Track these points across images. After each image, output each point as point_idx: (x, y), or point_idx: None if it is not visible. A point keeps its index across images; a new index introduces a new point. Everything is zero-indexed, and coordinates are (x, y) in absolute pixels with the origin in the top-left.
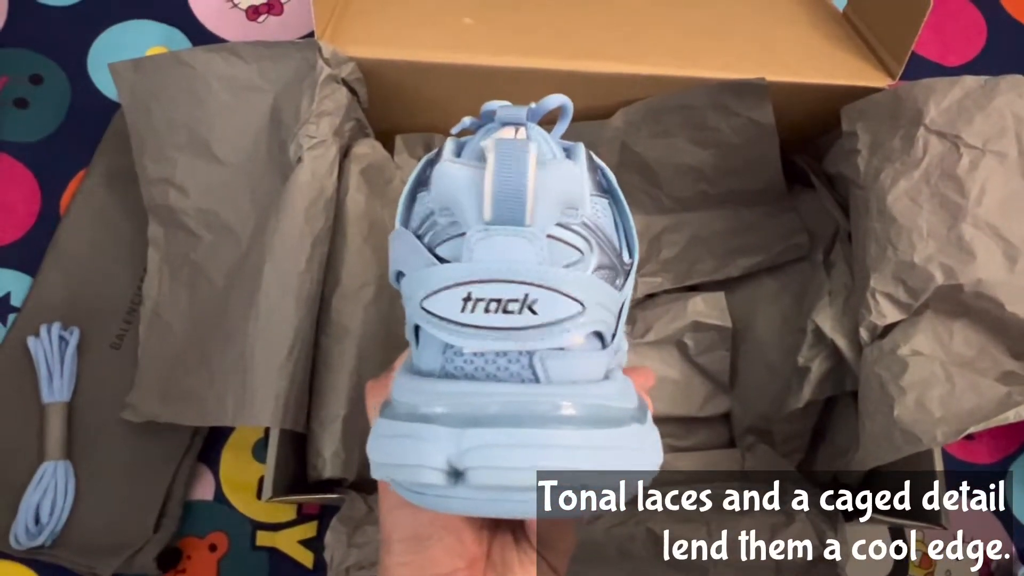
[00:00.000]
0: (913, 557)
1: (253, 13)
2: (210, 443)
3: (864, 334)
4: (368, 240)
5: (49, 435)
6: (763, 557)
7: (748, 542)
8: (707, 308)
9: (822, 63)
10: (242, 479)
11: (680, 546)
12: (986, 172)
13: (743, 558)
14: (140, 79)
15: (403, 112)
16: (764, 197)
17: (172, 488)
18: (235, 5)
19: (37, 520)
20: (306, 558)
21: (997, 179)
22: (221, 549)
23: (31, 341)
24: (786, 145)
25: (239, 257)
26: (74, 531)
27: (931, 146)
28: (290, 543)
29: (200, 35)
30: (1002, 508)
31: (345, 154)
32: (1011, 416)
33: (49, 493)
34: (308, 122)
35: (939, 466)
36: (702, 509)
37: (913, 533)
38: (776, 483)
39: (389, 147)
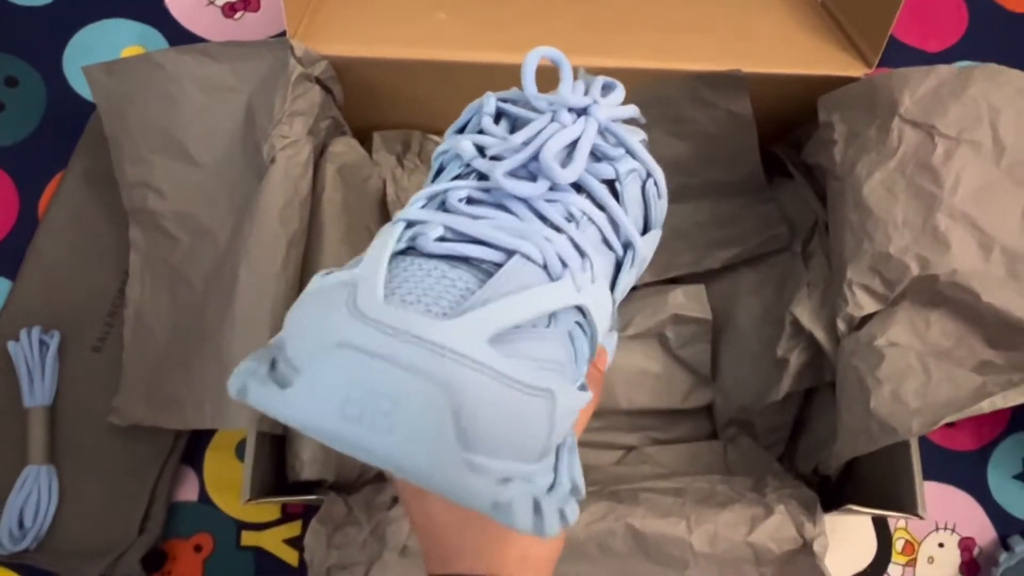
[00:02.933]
0: (896, 545)
1: (229, 10)
2: (193, 444)
3: (841, 325)
4: (345, 240)
5: (31, 439)
6: (743, 549)
7: (728, 535)
8: (687, 301)
9: (800, 53)
10: (226, 480)
11: (661, 541)
12: (961, 162)
13: (723, 551)
14: (114, 82)
15: (380, 109)
16: (743, 188)
17: (156, 490)
18: (211, 2)
19: (21, 524)
20: (291, 557)
21: (972, 169)
22: (206, 549)
23: (11, 345)
24: (765, 136)
25: (217, 260)
26: (59, 535)
27: (906, 136)
28: (275, 542)
29: (176, 33)
30: (983, 494)
31: (321, 153)
32: (985, 406)
33: (32, 497)
34: (281, 122)
35: (915, 456)
36: (682, 503)
37: (895, 522)
38: (756, 476)
39: (367, 144)
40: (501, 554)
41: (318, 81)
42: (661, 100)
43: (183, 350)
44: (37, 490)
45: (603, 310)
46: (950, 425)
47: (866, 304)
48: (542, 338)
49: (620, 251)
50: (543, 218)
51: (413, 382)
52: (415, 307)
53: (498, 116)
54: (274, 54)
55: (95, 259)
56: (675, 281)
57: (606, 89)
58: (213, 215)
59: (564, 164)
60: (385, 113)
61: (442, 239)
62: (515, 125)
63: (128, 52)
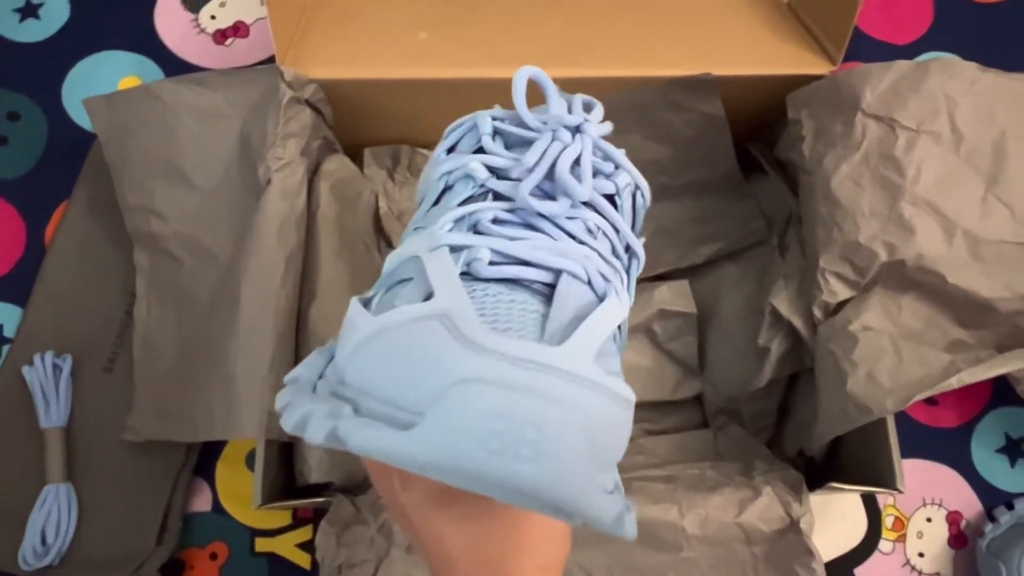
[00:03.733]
0: (886, 522)
1: (220, 37)
2: (205, 457)
3: (817, 313)
4: (340, 254)
5: (49, 459)
6: (733, 530)
7: (718, 517)
8: (672, 296)
9: (768, 54)
10: (238, 489)
11: (655, 526)
12: (922, 152)
13: (714, 533)
14: (113, 114)
15: (369, 126)
16: (722, 186)
17: (171, 502)
18: (202, 30)
19: (43, 541)
20: (304, 560)
21: (933, 158)
22: (222, 557)
23: (26, 370)
24: (740, 135)
25: (219, 278)
26: (80, 549)
27: (869, 129)
28: (288, 547)
29: (170, 62)
30: (968, 469)
31: (315, 171)
32: (954, 383)
33: (53, 515)
34: (274, 145)
35: (892, 434)
36: (674, 489)
37: (884, 499)
38: (744, 461)
39: (358, 160)
40: (522, 565)
41: (308, 103)
42: (638, 106)
43: (191, 367)
44: (57, 508)
45: (625, 315)
46: (934, 403)
47: (839, 291)
48: (613, 353)
49: (626, 260)
50: (570, 235)
51: (554, 409)
52: (513, 334)
53: (494, 134)
54: (265, 80)
55: (102, 283)
56: (661, 278)
57: (587, 107)
58: (214, 236)
59: (575, 178)
60: (374, 130)
61: (492, 263)
62: (508, 143)
63: (125, 82)
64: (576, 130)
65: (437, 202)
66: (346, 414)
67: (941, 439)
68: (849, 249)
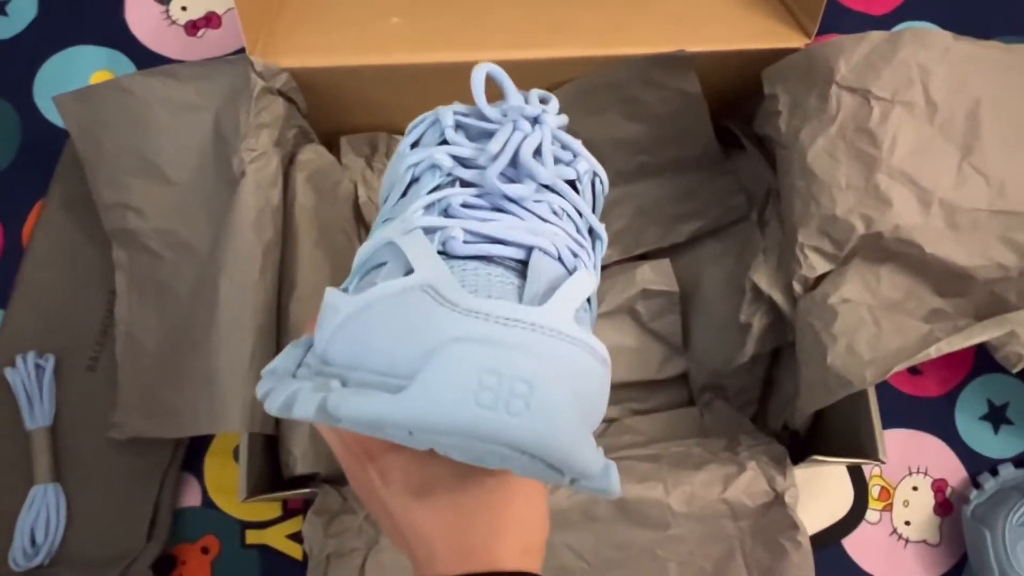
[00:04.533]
0: (872, 492)
1: (192, 28)
2: (193, 452)
3: (797, 287)
4: (319, 244)
5: (36, 460)
6: (719, 506)
7: (704, 494)
8: (654, 275)
9: (742, 29)
10: (226, 483)
11: (641, 504)
12: (896, 122)
13: (700, 509)
14: (85, 109)
15: (345, 114)
16: (701, 163)
17: (160, 498)
18: (174, 22)
19: (33, 542)
20: (295, 551)
21: (907, 128)
22: (213, 551)
23: (8, 372)
24: (718, 110)
25: (199, 272)
26: (70, 548)
27: (844, 102)
28: (279, 538)
29: (142, 55)
30: (952, 437)
31: (290, 161)
32: (932, 352)
33: (42, 515)
34: (247, 136)
35: (874, 405)
36: (659, 467)
37: (870, 470)
38: (729, 437)
39: (335, 149)
40: (504, 548)
41: (280, 93)
42: (613, 85)
43: (174, 362)
44: (46, 508)
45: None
46: (916, 373)
47: (818, 265)
48: (586, 323)
49: (590, 242)
50: (538, 216)
51: (542, 364)
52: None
53: (457, 127)
54: (235, 71)
55: (82, 282)
56: (642, 257)
57: (543, 100)
58: (192, 230)
59: (537, 160)
60: (350, 118)
61: (466, 241)
62: (470, 135)
63: (97, 77)
64: (535, 120)
65: (405, 194)
66: (335, 387)
67: (925, 408)
68: (826, 223)
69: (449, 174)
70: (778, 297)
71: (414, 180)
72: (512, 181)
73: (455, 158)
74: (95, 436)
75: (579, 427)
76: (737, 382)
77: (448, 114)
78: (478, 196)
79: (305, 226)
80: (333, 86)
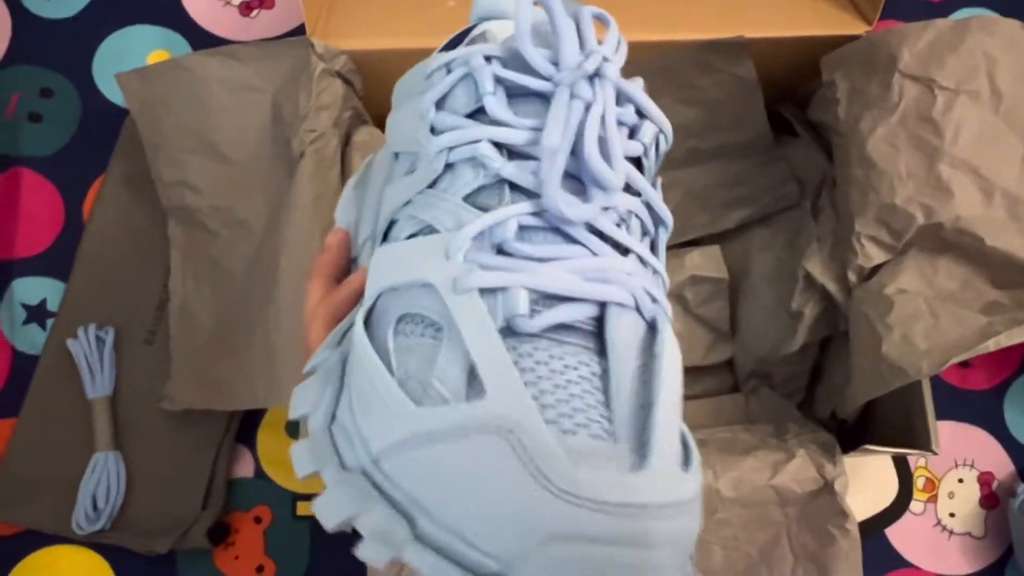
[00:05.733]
0: (917, 483)
1: (245, 9)
2: (246, 424)
3: (852, 276)
4: None
5: (97, 428)
6: (767, 492)
7: (752, 479)
8: (704, 261)
9: (801, 15)
10: (279, 456)
11: None
12: (960, 112)
13: (748, 494)
14: (146, 88)
15: None
16: (753, 149)
17: (215, 468)
18: (228, 2)
19: (95, 507)
20: None
21: (971, 118)
22: (266, 521)
23: (71, 343)
24: (771, 96)
25: (255, 251)
26: (129, 514)
27: (906, 90)
28: None
29: (196, 35)
30: (1000, 430)
31: (346, 143)
32: (991, 345)
33: (103, 481)
34: (307, 117)
35: (928, 396)
36: (707, 452)
37: (915, 461)
38: (776, 424)
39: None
40: None
41: (339, 75)
42: (667, 70)
43: (230, 337)
44: (107, 475)
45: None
46: (965, 365)
47: (875, 255)
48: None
49: (653, 231)
50: (604, 237)
51: (653, 553)
52: (584, 441)
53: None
54: (295, 52)
55: (140, 257)
56: (691, 243)
57: (599, 20)
58: (248, 208)
59: (607, 161)
60: None
61: (534, 312)
62: (510, 94)
63: (154, 57)
64: (595, 75)
65: (435, 184)
66: (403, 537)
67: (973, 401)
68: (885, 212)
69: (496, 174)
70: (832, 286)
71: (449, 167)
72: (571, 176)
73: (499, 147)
74: (153, 407)
75: None
76: (785, 370)
77: (484, 70)
78: (536, 217)
79: None
80: (388, 68)
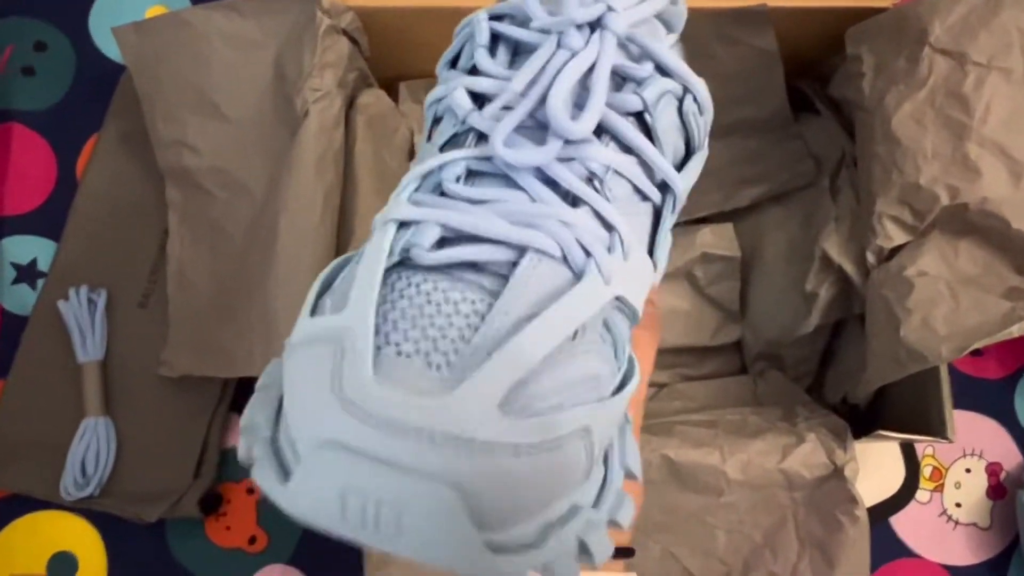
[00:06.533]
0: (924, 472)
1: None
2: (241, 392)
3: (871, 258)
4: (379, 192)
5: (87, 393)
6: (775, 476)
7: (760, 463)
8: (715, 239)
9: None
10: None
11: (695, 470)
12: (991, 89)
13: (756, 477)
14: (143, 42)
15: (405, 58)
16: (769, 125)
17: (208, 437)
18: None
19: (84, 473)
20: None
21: (1002, 96)
22: (258, 492)
23: (61, 304)
24: (791, 70)
25: (255, 213)
26: (119, 481)
27: (936, 65)
28: None
29: None
30: (1010, 420)
31: (350, 105)
32: (1015, 331)
33: (92, 447)
34: (311, 75)
35: (945, 382)
36: (715, 434)
37: (922, 449)
38: (785, 407)
39: (393, 95)
40: None
41: (344, 32)
42: (684, 38)
43: (228, 302)
44: (96, 440)
45: (642, 281)
46: (977, 353)
47: (895, 236)
48: (568, 360)
49: (657, 197)
50: (557, 187)
51: (417, 485)
52: (412, 365)
53: (495, 40)
54: (300, 7)
55: (135, 218)
56: (703, 221)
57: None
58: (248, 170)
59: (576, 111)
60: (410, 62)
61: (441, 242)
62: (516, 52)
63: (152, 11)
64: (596, 25)
65: (430, 138)
66: (262, 437)
67: (984, 390)
68: (908, 192)
69: (463, 122)
70: (849, 267)
71: (436, 121)
72: (544, 129)
73: (475, 96)
74: (145, 373)
75: (472, 542)
76: (795, 353)
77: (482, 25)
78: (485, 159)
79: (365, 172)
80: (396, 27)
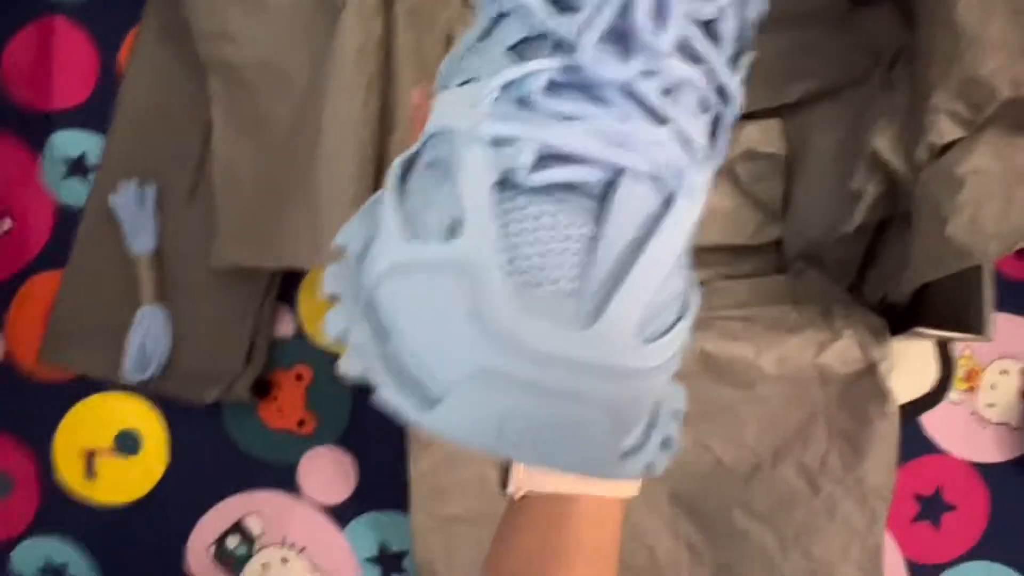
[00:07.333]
0: (959, 372)
1: None
2: (287, 284)
3: (922, 154)
4: (420, 79)
5: (142, 283)
6: (809, 371)
7: (795, 357)
8: (761, 136)
9: None
10: (320, 315)
11: (730, 362)
12: None
13: (790, 372)
14: None
15: None
16: (823, 16)
17: (257, 326)
18: None
19: (143, 357)
20: None
21: None
22: (307, 379)
23: (113, 198)
24: None
25: (298, 104)
26: (176, 366)
27: None
28: None
29: None
30: None
31: None
32: None
33: (150, 334)
34: None
35: (988, 280)
36: (753, 329)
37: (959, 349)
38: (823, 306)
39: None
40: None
41: None
42: None
43: (274, 194)
44: (153, 328)
45: (704, 197)
46: (1021, 254)
47: (949, 131)
48: (669, 280)
49: (718, 106)
50: (641, 103)
51: (573, 408)
52: (547, 294)
53: None
54: None
55: (179, 112)
56: (748, 116)
57: None
58: (290, 60)
59: (657, 21)
60: None
61: (538, 163)
62: None
63: None
64: None
65: (488, 34)
66: (374, 353)
67: None
68: (967, 85)
69: (541, 25)
70: (899, 164)
71: (501, 16)
72: (621, 39)
73: (558, 2)
74: (195, 264)
75: (613, 452)
76: (837, 252)
77: None
78: (568, 72)
79: (405, 63)
80: None
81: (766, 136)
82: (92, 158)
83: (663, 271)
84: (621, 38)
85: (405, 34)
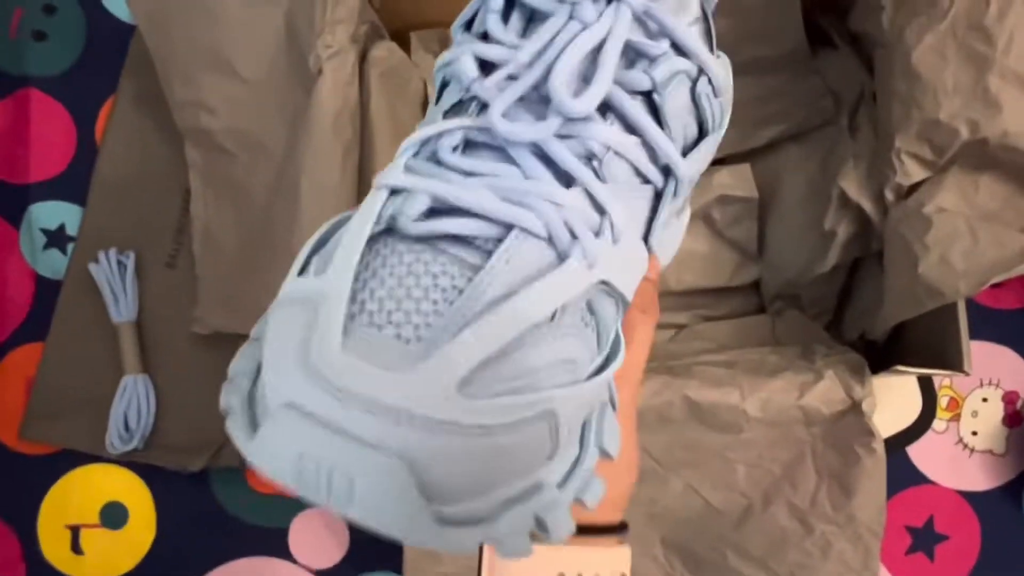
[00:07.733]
0: (940, 402)
1: None
2: None
3: (889, 195)
4: (396, 144)
5: (124, 352)
6: (794, 412)
7: (779, 400)
8: (733, 180)
9: None
10: None
11: (715, 408)
12: (1015, 19)
13: (775, 415)
14: (152, 1)
15: (415, 8)
16: (787, 62)
17: None
18: None
19: (127, 428)
20: None
21: None
22: None
23: (93, 268)
24: (808, 5)
25: (276, 173)
26: (162, 434)
27: None
28: None
29: None
30: None
31: (363, 59)
32: None
33: (133, 403)
34: (323, 32)
35: (962, 316)
36: (734, 373)
37: (939, 380)
38: (804, 346)
39: (404, 46)
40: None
41: None
42: None
43: (255, 260)
44: (136, 397)
45: (633, 266)
46: (996, 285)
47: (914, 172)
48: (541, 342)
49: (659, 180)
50: (553, 165)
51: (368, 457)
52: (381, 336)
53: (510, 5)
54: None
55: (157, 179)
56: (719, 162)
57: None
58: (266, 129)
59: (581, 86)
60: (421, 10)
61: (430, 212)
62: (531, 19)
63: None
64: (611, 0)
65: (438, 100)
66: (243, 387)
67: (1002, 320)
68: (928, 128)
69: (468, 89)
70: (867, 205)
71: (445, 84)
72: (546, 101)
73: (483, 64)
74: (178, 330)
75: (421, 514)
76: (813, 291)
77: None
78: (484, 130)
79: (381, 127)
80: None
81: (737, 180)
82: (71, 229)
83: (520, 325)
84: (544, 100)
85: (379, 99)
